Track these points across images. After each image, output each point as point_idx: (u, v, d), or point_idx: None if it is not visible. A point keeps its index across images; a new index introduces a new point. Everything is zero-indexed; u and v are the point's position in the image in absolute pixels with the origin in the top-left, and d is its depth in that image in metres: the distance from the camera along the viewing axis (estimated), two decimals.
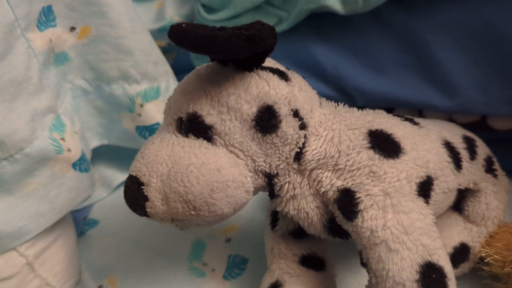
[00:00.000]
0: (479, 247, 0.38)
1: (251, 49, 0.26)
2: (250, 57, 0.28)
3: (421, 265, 0.27)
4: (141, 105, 0.50)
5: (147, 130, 0.51)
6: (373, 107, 0.36)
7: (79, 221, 0.52)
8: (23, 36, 0.37)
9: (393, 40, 0.46)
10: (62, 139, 0.40)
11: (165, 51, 0.55)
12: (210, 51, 0.27)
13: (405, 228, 0.28)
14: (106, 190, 0.58)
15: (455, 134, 0.37)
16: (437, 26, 0.43)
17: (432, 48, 0.44)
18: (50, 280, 0.42)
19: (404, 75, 0.46)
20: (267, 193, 0.34)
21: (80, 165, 0.43)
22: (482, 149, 0.39)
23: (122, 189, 0.59)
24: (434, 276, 0.27)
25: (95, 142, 0.53)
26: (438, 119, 0.42)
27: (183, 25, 0.25)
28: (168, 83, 0.52)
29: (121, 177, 0.58)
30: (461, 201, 0.39)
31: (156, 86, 0.50)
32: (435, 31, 0.44)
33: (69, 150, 0.41)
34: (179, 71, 0.54)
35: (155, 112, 0.50)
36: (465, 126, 0.41)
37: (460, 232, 0.38)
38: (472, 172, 0.37)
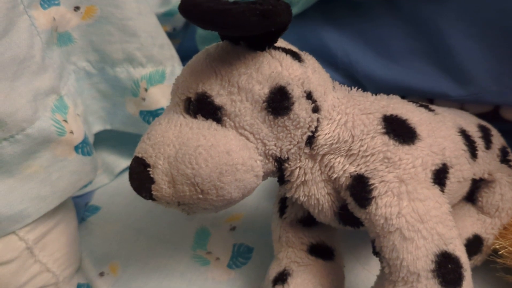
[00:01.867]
0: (493, 239, 0.37)
1: (265, 25, 0.24)
2: (262, 35, 0.27)
3: (436, 255, 0.27)
4: (146, 89, 0.48)
5: (151, 115, 0.50)
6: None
7: (80, 207, 0.52)
8: (26, 13, 0.36)
9: (405, 26, 0.45)
10: (65, 121, 0.39)
11: (169, 36, 0.53)
12: (222, 26, 0.25)
13: (420, 216, 0.27)
14: (108, 177, 0.57)
15: (470, 123, 0.36)
16: (450, 12, 0.42)
17: (445, 35, 0.43)
18: (50, 266, 0.41)
19: (416, 63, 0.45)
20: (273, 181, 0.33)
21: (83, 148, 0.42)
22: (497, 139, 0.38)
23: (124, 175, 0.58)
24: (450, 266, 0.27)
25: (97, 127, 0.52)
26: (452, 108, 0.41)
27: None
28: (174, 68, 0.50)
29: (123, 163, 0.57)
30: (474, 192, 0.38)
31: (161, 70, 0.49)
32: (448, 18, 0.42)
33: (71, 132, 0.40)
34: (184, 57, 0.53)
35: (159, 97, 0.49)
36: (477, 116, 0.40)
37: (473, 223, 0.37)
38: (487, 162, 0.36)
